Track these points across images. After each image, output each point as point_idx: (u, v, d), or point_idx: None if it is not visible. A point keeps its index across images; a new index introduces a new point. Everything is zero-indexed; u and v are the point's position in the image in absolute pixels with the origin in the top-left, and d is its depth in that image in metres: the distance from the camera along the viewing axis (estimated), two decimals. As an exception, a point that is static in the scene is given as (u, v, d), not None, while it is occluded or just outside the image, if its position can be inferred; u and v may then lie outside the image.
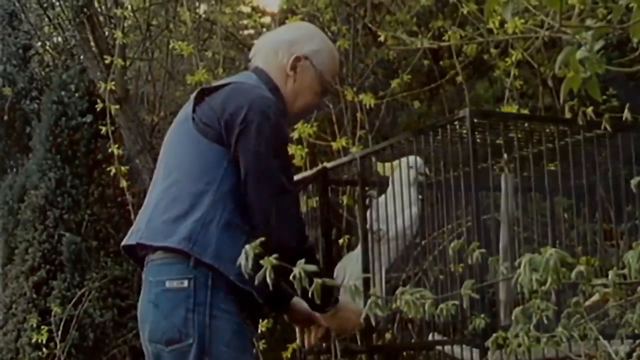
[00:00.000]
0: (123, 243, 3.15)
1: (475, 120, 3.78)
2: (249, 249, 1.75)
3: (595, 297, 2.87)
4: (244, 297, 2.96)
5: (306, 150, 6.74)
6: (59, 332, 7.39)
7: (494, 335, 2.32)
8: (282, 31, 3.43)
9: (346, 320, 3.26)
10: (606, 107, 7.18)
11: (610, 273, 1.98)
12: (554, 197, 5.26)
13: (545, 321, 2.87)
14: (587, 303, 2.97)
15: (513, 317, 2.06)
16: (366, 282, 4.14)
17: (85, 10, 8.34)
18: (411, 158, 4.28)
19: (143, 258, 3.07)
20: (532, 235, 6.07)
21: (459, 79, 7.26)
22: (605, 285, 1.98)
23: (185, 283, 2.91)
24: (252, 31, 8.59)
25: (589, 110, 3.17)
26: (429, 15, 7.86)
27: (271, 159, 2.96)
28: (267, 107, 3.01)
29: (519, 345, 2.37)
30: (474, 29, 6.71)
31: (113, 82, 7.16)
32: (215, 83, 3.21)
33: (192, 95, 3.14)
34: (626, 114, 2.69)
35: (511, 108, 6.21)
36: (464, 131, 3.89)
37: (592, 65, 1.79)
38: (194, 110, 3.06)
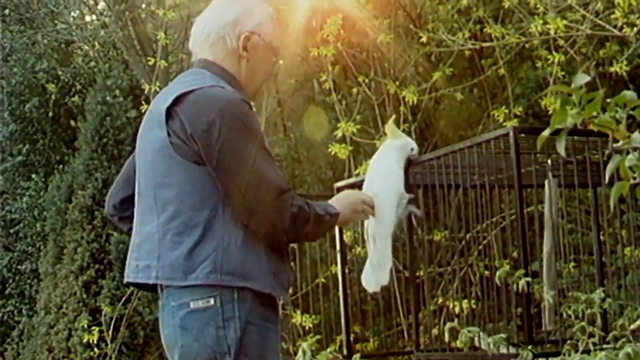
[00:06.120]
0: (131, 280, 3.07)
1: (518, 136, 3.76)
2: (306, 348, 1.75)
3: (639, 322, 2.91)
4: (268, 299, 2.94)
5: (350, 147, 6.76)
6: (110, 331, 7.41)
7: None
8: (219, 13, 3.14)
9: (353, 205, 3.21)
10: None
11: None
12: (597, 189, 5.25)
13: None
14: (632, 327, 2.99)
15: None
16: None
17: (127, 12, 8.38)
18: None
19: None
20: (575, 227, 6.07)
21: (502, 71, 7.24)
22: None
23: (212, 301, 2.86)
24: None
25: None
26: (472, 4, 7.80)
27: (257, 170, 2.87)
28: (236, 113, 2.90)
29: None
30: (515, 26, 6.67)
31: (157, 84, 7.14)
32: (175, 92, 2.96)
33: (157, 110, 2.98)
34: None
35: (552, 102, 6.19)
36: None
37: (640, 171, 1.86)
38: (168, 134, 2.92)
